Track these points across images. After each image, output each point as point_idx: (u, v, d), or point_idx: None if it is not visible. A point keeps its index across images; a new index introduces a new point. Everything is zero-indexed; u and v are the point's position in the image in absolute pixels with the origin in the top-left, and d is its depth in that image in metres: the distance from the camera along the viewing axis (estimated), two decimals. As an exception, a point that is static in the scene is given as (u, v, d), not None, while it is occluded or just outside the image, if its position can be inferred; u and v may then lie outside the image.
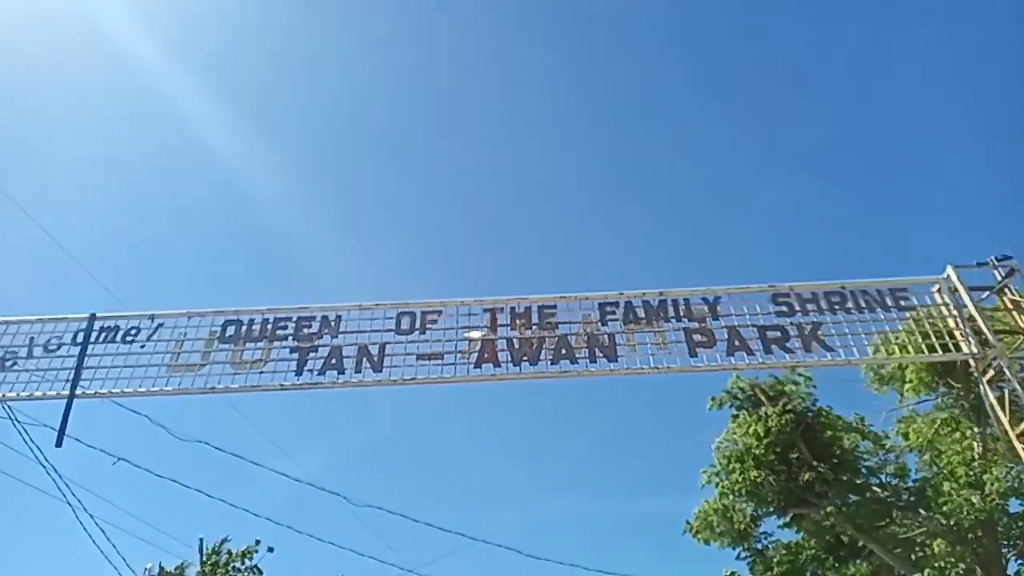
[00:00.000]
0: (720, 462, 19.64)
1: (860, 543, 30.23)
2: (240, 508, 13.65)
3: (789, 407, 18.69)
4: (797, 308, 8.27)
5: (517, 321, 8.41)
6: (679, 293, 8.49)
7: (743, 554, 20.37)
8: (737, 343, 8.03)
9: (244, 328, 8.47)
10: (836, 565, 32.89)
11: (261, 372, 8.14)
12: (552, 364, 7.99)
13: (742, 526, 18.94)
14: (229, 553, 41.25)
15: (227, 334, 8.42)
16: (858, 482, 18.46)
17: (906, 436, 19.52)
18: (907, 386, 17.53)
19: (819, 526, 19.58)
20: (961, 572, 15.76)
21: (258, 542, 43.20)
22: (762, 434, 18.70)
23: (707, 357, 7.97)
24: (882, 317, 8.18)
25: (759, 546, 20.41)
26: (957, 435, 17.36)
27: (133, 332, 8.42)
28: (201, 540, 43.70)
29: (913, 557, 17.79)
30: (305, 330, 8.45)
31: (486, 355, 8.11)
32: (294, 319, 8.57)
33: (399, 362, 8.13)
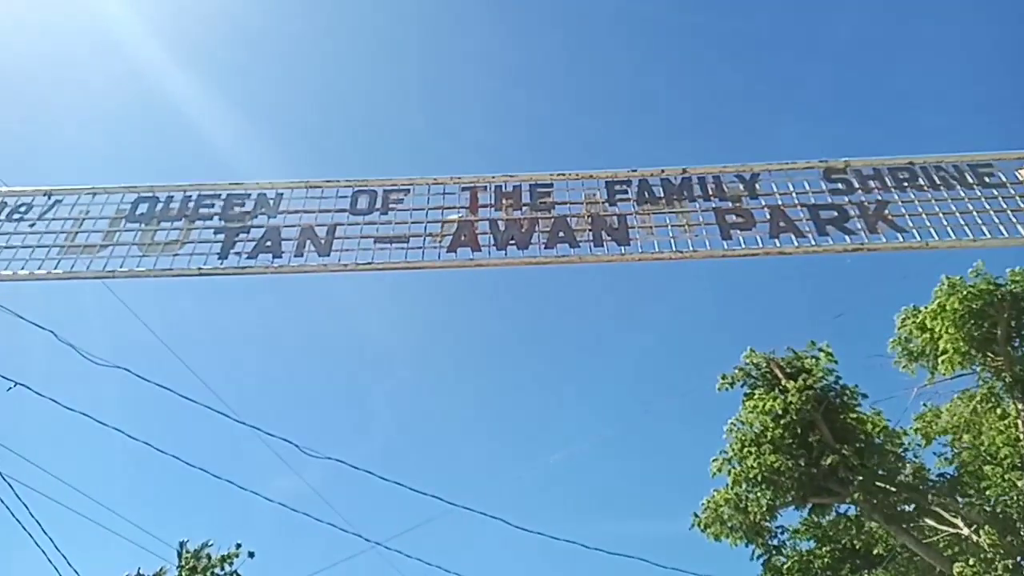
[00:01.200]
0: (733, 447, 17.84)
1: (876, 550, 28.50)
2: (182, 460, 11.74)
3: (810, 383, 16.95)
4: (857, 185, 6.53)
5: (504, 201, 6.67)
6: (707, 170, 6.76)
7: (758, 552, 18.46)
8: (782, 224, 6.28)
9: (160, 207, 6.73)
10: (852, 573, 31.04)
11: (176, 255, 6.40)
12: (546, 248, 6.27)
13: (757, 517, 17.06)
14: (208, 557, 39.19)
15: (138, 212, 6.69)
16: (886, 468, 16.64)
17: (936, 415, 17.80)
18: (942, 357, 15.75)
19: (838, 522, 17.76)
20: (1010, 567, 13.94)
21: (239, 546, 41.03)
22: (780, 413, 16.91)
23: (744, 240, 6.23)
24: (962, 195, 6.42)
25: (775, 542, 18.50)
26: (999, 411, 15.59)
27: (23, 209, 6.70)
28: (181, 544, 41.56)
29: (950, 552, 15.92)
30: (236, 208, 6.71)
31: (463, 237, 6.37)
32: (223, 196, 6.80)
33: (352, 245, 6.38)
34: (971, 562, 14.11)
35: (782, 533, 18.41)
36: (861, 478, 15.93)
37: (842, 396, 17.30)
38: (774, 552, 18.37)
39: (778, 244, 6.22)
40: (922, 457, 17.81)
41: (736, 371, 18.40)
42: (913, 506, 16.35)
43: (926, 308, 16.76)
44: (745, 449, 17.18)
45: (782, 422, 16.84)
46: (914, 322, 17.36)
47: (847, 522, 17.55)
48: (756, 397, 17.62)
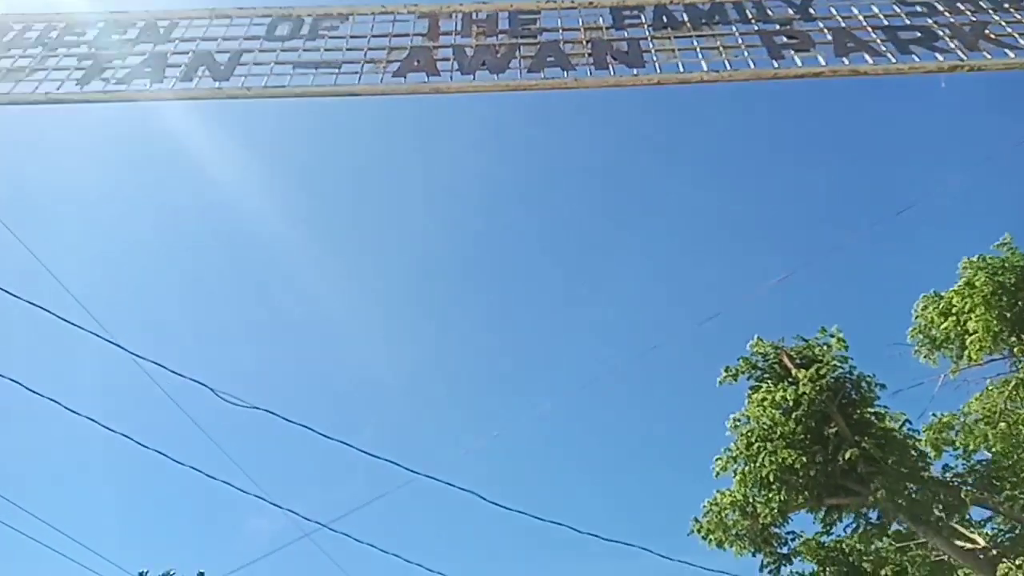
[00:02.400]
0: (738, 444, 15.95)
1: (883, 572, 26.47)
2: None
3: (823, 372, 15.17)
4: (942, 8, 4.88)
5: (474, 28, 4.94)
6: (744, -8, 5.08)
7: (766, 561, 16.41)
8: (851, 44, 4.58)
9: (13, 36, 4.98)
10: (857, 596, 28.87)
11: (19, 82, 4.61)
12: (530, 72, 4.51)
13: (767, 520, 15.08)
14: None
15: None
16: (909, 466, 14.77)
17: (947, 424, 16.05)
18: (971, 339, 14.01)
19: (858, 525, 15.83)
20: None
21: (202, 574, 38.30)
22: (792, 406, 15.09)
23: (802, 60, 4.52)
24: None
25: (784, 550, 16.47)
26: (1037, 398, 13.84)
27: None
28: (141, 574, 38.81)
29: (984, 556, 14.01)
30: (114, 36, 4.96)
31: (416, 63, 4.61)
32: (99, 24, 5.09)
33: (264, 71, 4.61)
34: (1019, 562, 12.20)
35: (793, 540, 16.37)
36: (883, 475, 14.06)
37: (858, 387, 15.51)
38: (784, 562, 16.33)
39: (847, 62, 4.50)
40: (944, 456, 15.97)
41: (741, 362, 16.59)
42: (941, 507, 14.42)
43: (950, 291, 15.11)
44: (754, 446, 15.30)
45: (794, 415, 14.99)
46: (936, 308, 15.67)
47: (867, 527, 15.56)
48: (764, 390, 15.80)
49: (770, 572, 16.18)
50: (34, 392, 8.65)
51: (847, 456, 14.06)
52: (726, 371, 16.73)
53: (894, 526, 22.50)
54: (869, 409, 15.49)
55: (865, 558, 27.98)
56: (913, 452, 15.15)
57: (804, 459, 14.55)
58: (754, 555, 16.41)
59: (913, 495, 14.33)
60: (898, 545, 24.08)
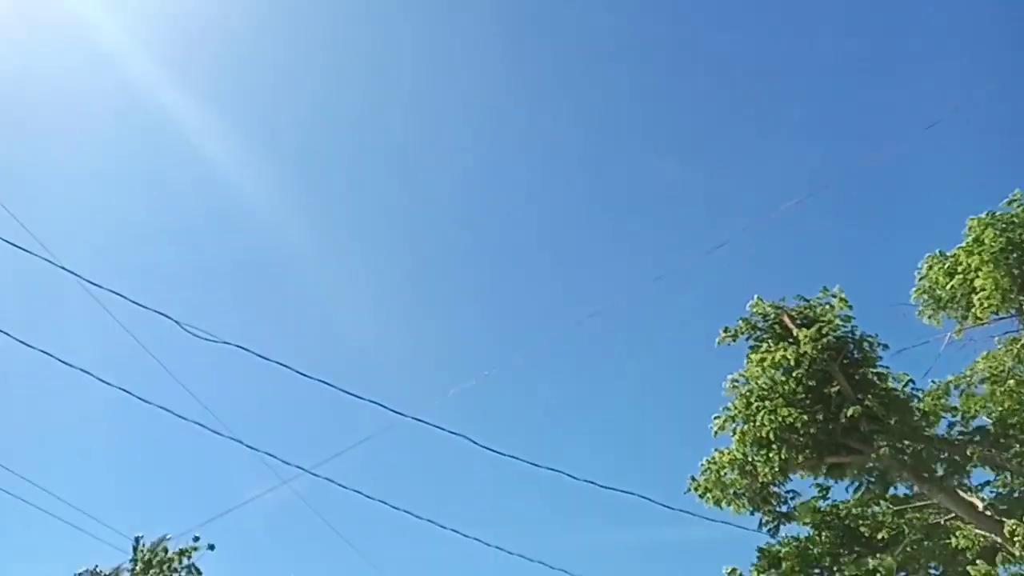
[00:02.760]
0: (737, 404, 15.74)
1: (880, 535, 26.53)
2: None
3: (825, 331, 14.88)
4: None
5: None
6: None
7: (765, 520, 16.32)
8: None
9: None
10: (855, 560, 28.98)
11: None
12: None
13: (767, 479, 14.92)
14: (165, 551, 36.75)
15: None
16: (913, 425, 14.57)
17: (944, 391, 15.84)
18: (978, 297, 13.71)
19: (860, 483, 15.65)
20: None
21: (196, 539, 38.56)
22: (793, 364, 14.83)
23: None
24: None
25: (783, 509, 16.35)
26: (1046, 356, 13.59)
27: None
28: (137, 539, 39.04)
29: (991, 512, 13.89)
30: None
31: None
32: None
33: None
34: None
35: (792, 499, 16.25)
36: (886, 433, 13.86)
37: (860, 347, 15.24)
38: (783, 520, 16.23)
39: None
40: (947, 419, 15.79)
41: (740, 323, 16.30)
42: (944, 465, 14.26)
43: (956, 248, 14.78)
44: (753, 406, 15.09)
45: (794, 374, 14.75)
46: (941, 268, 15.35)
47: (868, 486, 15.39)
48: (763, 350, 15.54)
49: (769, 531, 16.09)
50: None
51: (849, 414, 13.83)
52: (724, 332, 16.44)
53: (893, 489, 22.52)
54: (872, 369, 15.23)
55: (862, 522, 28.12)
56: (916, 412, 14.95)
57: (805, 417, 14.33)
58: (752, 513, 16.34)
59: (917, 452, 14.16)
60: (895, 509, 24.15)
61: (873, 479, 15.26)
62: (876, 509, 28.32)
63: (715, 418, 15.92)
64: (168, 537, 38.22)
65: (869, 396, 14.32)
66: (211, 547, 38.47)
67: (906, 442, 14.13)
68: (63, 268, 9.34)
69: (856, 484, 15.50)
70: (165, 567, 36.83)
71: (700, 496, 16.23)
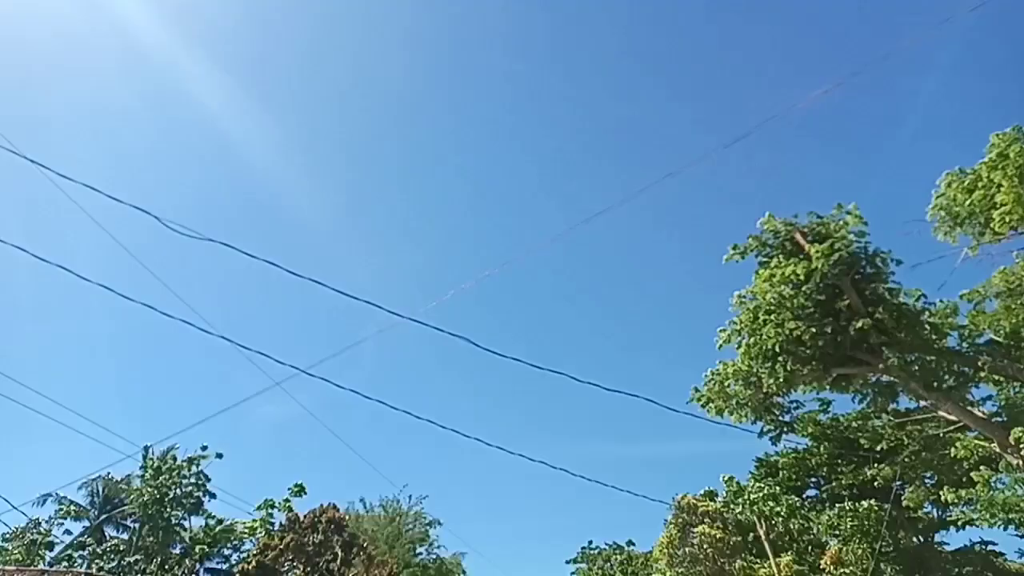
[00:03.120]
0: (743, 318, 15.76)
1: (880, 446, 27.03)
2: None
3: (837, 246, 14.69)
4: None
5: None
6: None
7: (766, 428, 16.63)
8: None
9: None
10: (853, 470, 29.77)
11: None
12: None
13: (771, 390, 15.11)
14: (174, 459, 38.04)
15: None
16: (923, 338, 14.57)
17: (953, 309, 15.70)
18: (998, 212, 13.39)
19: (866, 392, 15.75)
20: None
21: (204, 448, 39.71)
22: (802, 278, 14.73)
23: None
24: None
25: (786, 418, 16.62)
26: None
27: None
28: (146, 447, 40.15)
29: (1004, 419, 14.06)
30: None
31: None
32: None
33: None
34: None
35: (796, 408, 16.47)
36: (896, 345, 13.88)
37: (873, 262, 15.06)
38: (785, 429, 16.52)
39: None
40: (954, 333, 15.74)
41: (750, 240, 16.08)
42: (952, 376, 14.32)
43: (979, 163, 14.35)
44: (760, 318, 15.10)
45: (804, 289, 14.66)
46: (960, 184, 14.94)
47: (874, 397, 15.51)
48: (773, 266, 15.40)
49: (771, 439, 16.42)
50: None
51: (859, 326, 13.81)
52: (733, 249, 16.24)
53: (894, 403, 22.69)
54: (883, 285, 15.11)
55: (862, 434, 28.68)
56: (926, 326, 14.91)
57: (813, 331, 14.31)
58: (754, 423, 16.61)
59: (926, 365, 14.22)
60: (896, 421, 24.57)
61: (878, 391, 15.33)
62: (876, 423, 28.90)
63: (720, 331, 15.98)
64: (176, 446, 39.71)
65: (879, 310, 14.28)
66: (219, 455, 40.04)
67: (915, 354, 14.16)
68: (62, 175, 9.22)
69: (861, 396, 15.58)
70: (174, 474, 38.44)
71: (702, 406, 16.46)
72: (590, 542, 66.97)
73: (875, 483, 26.71)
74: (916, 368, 14.18)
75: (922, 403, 19.53)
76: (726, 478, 31.30)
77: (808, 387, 15.66)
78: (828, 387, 15.35)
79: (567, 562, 67.15)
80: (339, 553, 31.96)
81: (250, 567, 33.66)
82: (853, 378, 15.13)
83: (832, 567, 20.49)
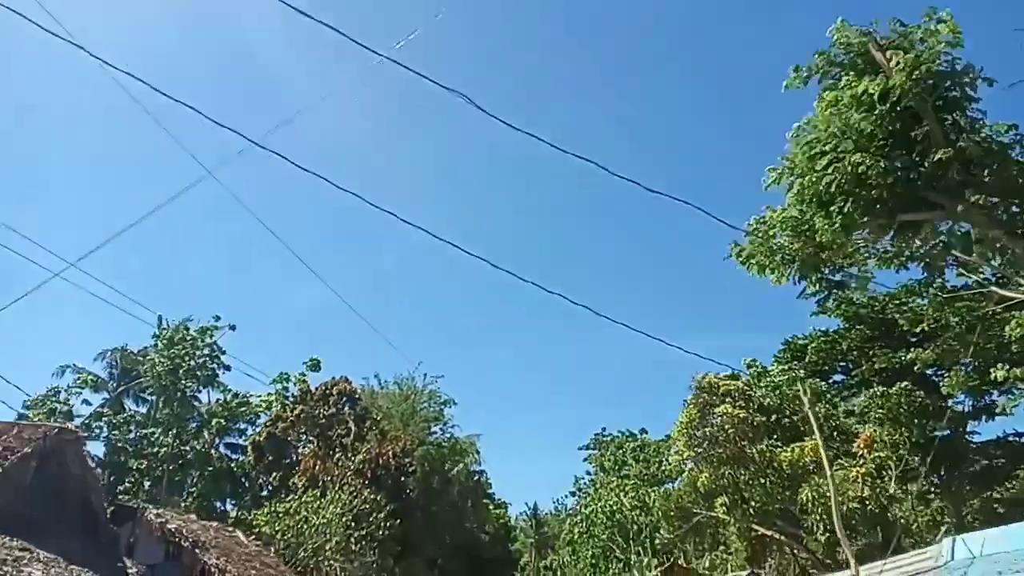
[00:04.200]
0: (797, 154, 13.14)
1: (920, 328, 24.66)
2: None
3: (922, 60, 11.85)
4: None
5: None
6: None
7: (812, 290, 14.30)
8: None
9: None
10: (887, 354, 27.69)
11: None
12: None
13: (825, 239, 12.66)
14: (186, 329, 36.84)
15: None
16: (1011, 176, 11.93)
17: None
18: None
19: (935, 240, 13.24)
20: None
21: (218, 318, 38.36)
22: (876, 100, 11.99)
23: None
24: None
25: (838, 277, 14.25)
26: None
27: None
28: (160, 317, 38.86)
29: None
30: None
31: None
32: None
33: None
34: None
35: (850, 266, 14.06)
36: (980, 185, 11.29)
37: (959, 83, 12.22)
38: (834, 290, 14.19)
39: None
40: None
41: (816, 59, 13.18)
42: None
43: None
44: (817, 154, 12.48)
45: (876, 112, 11.96)
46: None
47: (950, 240, 12.97)
48: (842, 86, 12.59)
49: (817, 302, 14.13)
50: None
51: (938, 157, 11.18)
52: (795, 72, 13.40)
53: (941, 277, 20.12)
54: (968, 113, 12.33)
55: (900, 315, 26.37)
56: (1016, 164, 12.21)
57: (881, 165, 11.72)
58: (797, 283, 14.31)
59: (1011, 210, 11.66)
60: (945, 296, 22.18)
61: (949, 242, 12.81)
62: (918, 303, 26.52)
63: (769, 170, 13.43)
64: (191, 318, 38.61)
65: (962, 139, 11.61)
66: (232, 327, 38.96)
67: (1004, 195, 11.58)
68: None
69: (922, 257, 13.10)
70: (188, 344, 37.50)
71: (742, 263, 14.15)
72: (603, 429, 66.94)
73: (914, 367, 24.72)
74: (1001, 213, 11.56)
75: (984, 273, 17.11)
76: (748, 361, 29.46)
77: (868, 239, 13.20)
78: (892, 237, 12.82)
79: (580, 449, 67.54)
80: (352, 428, 31.24)
81: (261, 439, 33.32)
82: (923, 225, 12.60)
83: (866, 451, 18.69)
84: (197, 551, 13.14)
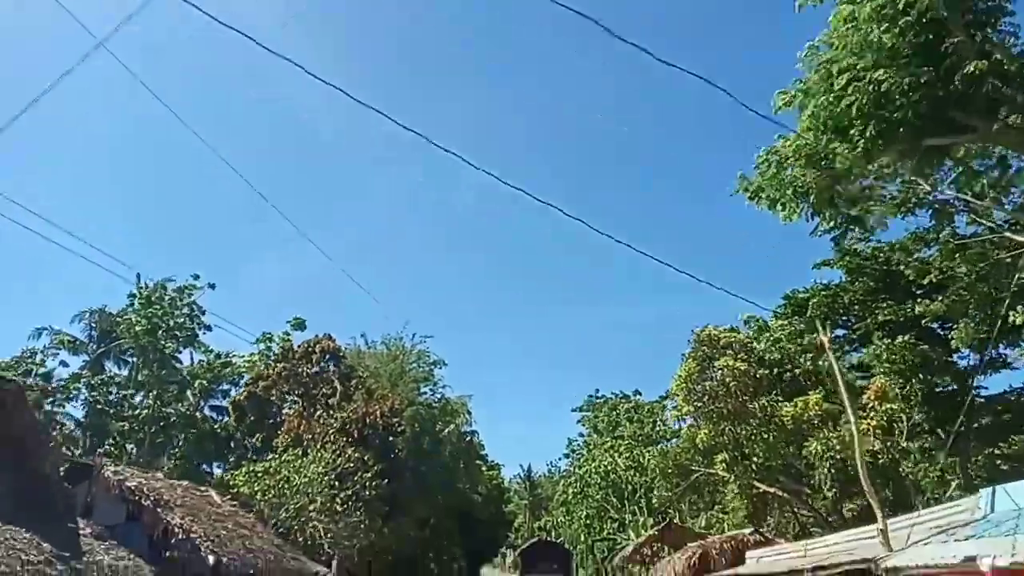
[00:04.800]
0: (812, 77, 12.04)
1: (928, 279, 23.74)
2: None
3: (954, -36, 10.67)
4: None
5: None
6: None
7: (826, 226, 13.29)
8: None
9: None
10: (892, 306, 26.79)
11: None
12: None
13: (843, 167, 11.62)
14: (164, 288, 35.63)
15: None
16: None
17: None
18: None
19: (967, 162, 12.21)
20: None
21: (196, 277, 37.09)
22: (900, 8, 10.84)
23: None
24: None
25: (853, 211, 13.22)
26: None
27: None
28: (138, 276, 37.52)
29: None
30: None
31: None
32: None
33: None
34: None
35: (867, 200, 13.04)
36: (1013, 104, 10.22)
37: (993, -5, 11.07)
38: (851, 226, 13.19)
39: None
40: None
41: (833, -33, 11.99)
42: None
43: None
44: (835, 73, 11.37)
45: (900, 24, 10.83)
46: None
47: (971, 175, 11.99)
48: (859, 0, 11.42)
49: (833, 239, 13.15)
50: None
51: (971, 70, 10.09)
52: (808, -16, 12.20)
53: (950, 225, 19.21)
54: (1004, 24, 11.22)
55: (907, 266, 25.41)
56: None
57: (907, 81, 10.64)
58: (810, 219, 13.30)
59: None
60: (956, 243, 21.23)
61: (982, 167, 11.79)
62: (928, 252, 25.56)
63: (779, 94, 12.33)
64: (173, 278, 37.40)
65: (997, 53, 10.50)
66: (211, 285, 37.80)
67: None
68: None
69: (958, 172, 12.07)
70: (166, 303, 36.37)
71: (751, 198, 13.16)
72: (596, 391, 66.52)
73: (920, 320, 23.85)
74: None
75: (996, 220, 16.20)
76: (746, 317, 28.58)
77: (891, 168, 12.18)
78: (916, 165, 11.79)
79: (573, 411, 67.22)
80: (337, 387, 30.40)
81: (242, 399, 32.49)
82: (951, 149, 11.56)
83: (876, 403, 17.88)
84: (160, 510, 12.29)
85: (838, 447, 16.99)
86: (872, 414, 17.75)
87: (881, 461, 16.77)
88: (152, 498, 12.54)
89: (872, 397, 18.21)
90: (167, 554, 11.72)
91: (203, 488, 16.96)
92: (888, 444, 17.23)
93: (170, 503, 12.93)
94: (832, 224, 12.99)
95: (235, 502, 17.12)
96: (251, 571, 13.13)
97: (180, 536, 11.98)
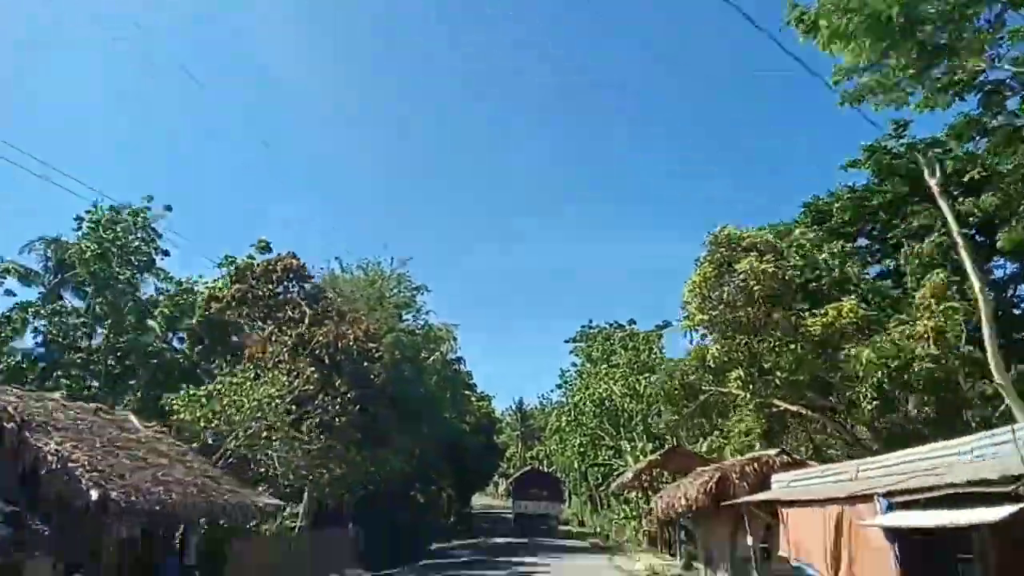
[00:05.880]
0: None
1: (969, 176, 21.26)
2: None
3: None
4: None
5: None
6: None
7: (902, 63, 10.43)
8: None
9: None
10: (927, 208, 24.24)
11: None
12: None
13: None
14: (116, 212, 32.31)
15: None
16: None
17: None
18: None
19: None
20: None
21: (151, 199, 33.70)
22: None
23: None
24: None
25: (943, 40, 10.31)
26: None
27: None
28: (95, 203, 34.12)
29: None
30: None
31: None
32: None
33: None
34: None
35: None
36: None
37: None
38: (935, 63, 10.33)
39: None
40: None
41: None
42: None
43: None
44: None
45: None
46: None
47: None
48: None
49: (910, 77, 10.30)
50: None
51: None
52: None
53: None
54: None
55: (950, 161, 22.74)
56: None
57: None
58: (876, 61, 10.48)
59: None
60: (1014, 129, 18.55)
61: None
62: (967, 148, 22.82)
63: None
64: (131, 205, 34.15)
65: None
66: (168, 207, 34.63)
67: None
68: None
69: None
70: (117, 228, 33.20)
71: (806, 31, 10.32)
72: (590, 321, 64.51)
73: (971, 218, 21.33)
74: None
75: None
76: (769, 225, 26.02)
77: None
78: None
79: (566, 342, 65.37)
80: (306, 310, 27.80)
81: (195, 324, 29.84)
82: None
83: (933, 301, 15.40)
84: (28, 434, 9.74)
85: (892, 353, 14.60)
86: (928, 315, 15.31)
87: (936, 372, 14.43)
88: (17, 419, 9.96)
89: (927, 295, 15.72)
90: (34, 489, 9.26)
91: (113, 411, 14.47)
92: (945, 350, 14.84)
93: (45, 425, 10.40)
94: (910, 71, 10.14)
95: (164, 429, 14.76)
96: (157, 507, 10.78)
97: (54, 466, 9.50)
